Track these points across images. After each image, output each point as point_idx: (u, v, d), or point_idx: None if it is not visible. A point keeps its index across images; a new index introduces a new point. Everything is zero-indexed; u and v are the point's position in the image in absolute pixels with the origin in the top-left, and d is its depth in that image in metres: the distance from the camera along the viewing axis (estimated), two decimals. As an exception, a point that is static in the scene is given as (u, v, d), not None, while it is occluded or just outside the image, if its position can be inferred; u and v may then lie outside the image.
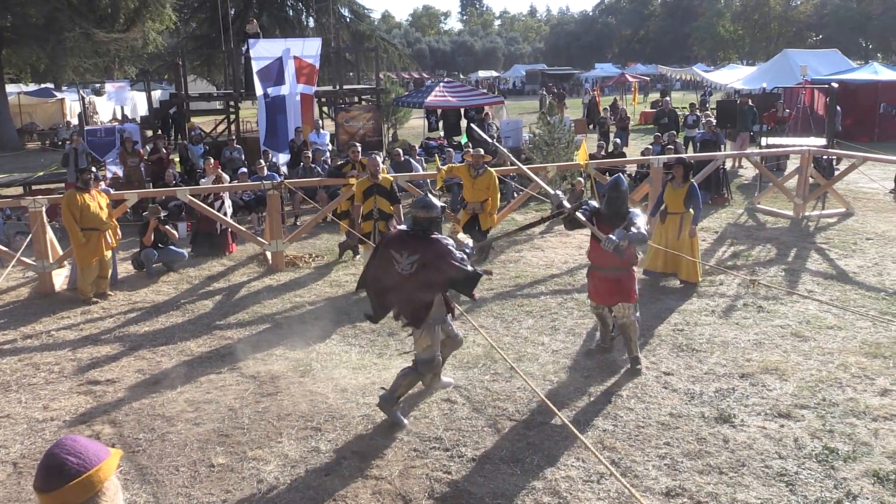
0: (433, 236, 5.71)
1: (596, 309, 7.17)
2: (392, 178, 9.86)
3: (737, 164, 18.51)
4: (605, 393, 6.38)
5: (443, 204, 5.76)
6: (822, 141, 14.60)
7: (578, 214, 6.67)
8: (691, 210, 9.09)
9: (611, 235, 6.30)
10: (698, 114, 20.33)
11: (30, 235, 9.77)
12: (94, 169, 10.16)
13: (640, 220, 6.57)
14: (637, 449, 5.45)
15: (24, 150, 29.18)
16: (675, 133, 16.91)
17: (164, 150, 15.61)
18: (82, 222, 9.13)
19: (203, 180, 13.04)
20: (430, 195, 6.03)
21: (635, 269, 6.95)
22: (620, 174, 7.05)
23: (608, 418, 5.93)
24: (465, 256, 5.71)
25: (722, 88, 29.28)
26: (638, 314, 6.85)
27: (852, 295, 8.81)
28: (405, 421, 5.90)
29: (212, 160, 13.58)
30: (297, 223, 13.25)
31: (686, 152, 17.25)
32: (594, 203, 7.02)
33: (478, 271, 5.73)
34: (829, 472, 5.08)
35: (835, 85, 17.00)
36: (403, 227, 5.97)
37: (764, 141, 15.19)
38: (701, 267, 9.34)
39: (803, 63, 22.36)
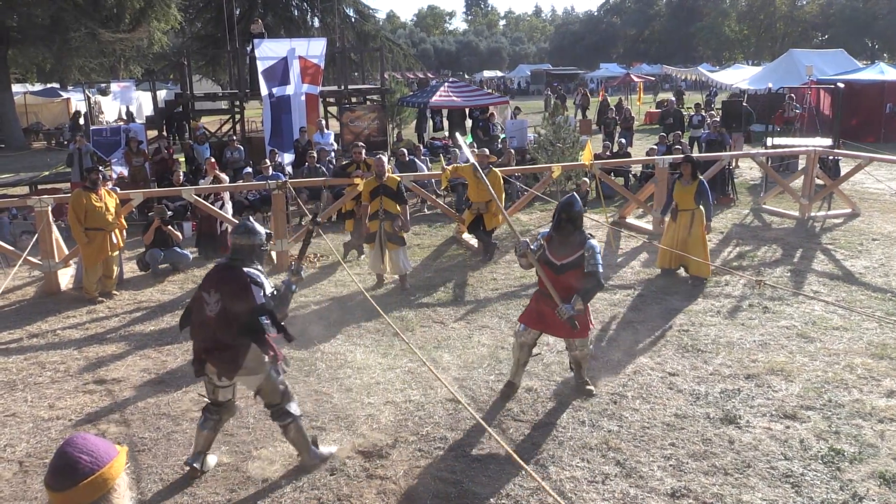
0: (242, 269, 5.00)
1: (522, 335, 6.25)
2: (398, 179, 9.86)
3: (734, 164, 18.42)
4: (611, 393, 6.37)
5: (268, 231, 5.32)
6: (828, 141, 14.56)
7: (535, 260, 6.04)
8: (702, 207, 9.15)
9: (564, 306, 5.81)
10: (703, 114, 20.27)
11: (36, 235, 9.78)
12: (101, 168, 10.18)
13: (596, 254, 5.96)
14: (642, 450, 5.44)
15: (29, 149, 29.25)
16: (680, 133, 16.86)
17: (167, 151, 15.63)
18: (88, 222, 9.15)
19: (202, 181, 13.06)
20: (251, 220, 5.33)
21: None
22: (575, 193, 6.24)
23: (613, 419, 5.92)
24: (274, 292, 5.08)
25: (727, 88, 29.23)
26: (591, 346, 6.41)
27: (858, 296, 8.78)
28: (330, 450, 5.43)
29: (212, 159, 13.60)
30: (302, 223, 13.25)
31: (691, 152, 17.23)
32: (545, 231, 6.28)
33: (275, 312, 4.98)
34: (835, 473, 5.07)
35: (840, 85, 16.96)
36: (225, 258, 5.25)
37: (770, 141, 15.15)
38: (699, 262, 9.37)
39: (809, 63, 22.32)
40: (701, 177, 9.36)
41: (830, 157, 13.95)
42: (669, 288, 9.23)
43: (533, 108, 31.58)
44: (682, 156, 10.48)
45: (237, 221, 11.27)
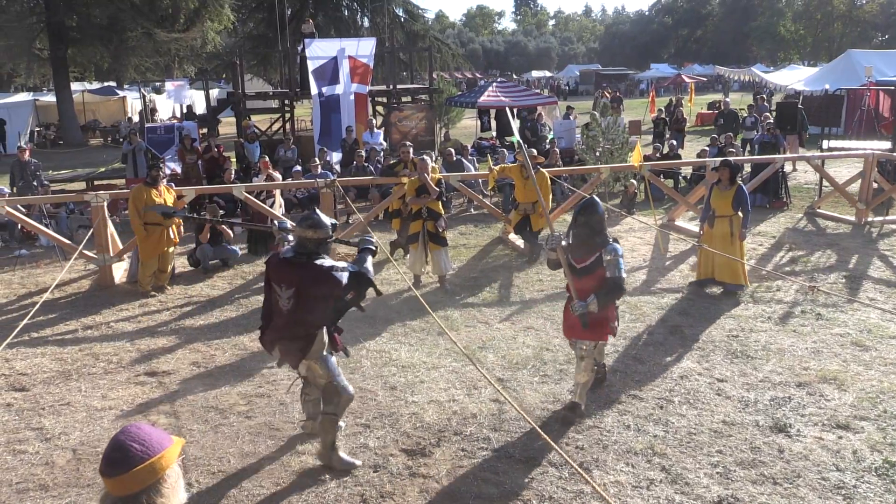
0: (315, 262, 4.98)
1: (574, 348, 6.13)
2: (439, 177, 9.87)
3: (793, 168, 18.01)
4: (657, 398, 6.28)
5: (333, 221, 5.23)
6: (887, 144, 14.14)
7: (565, 258, 5.87)
8: (740, 213, 8.88)
9: (578, 302, 5.72)
10: (756, 115, 19.85)
11: (91, 229, 10.05)
12: (161, 166, 10.43)
13: (619, 258, 5.71)
14: (689, 456, 5.36)
15: (87, 146, 30.06)
16: (731, 135, 16.54)
17: (218, 149, 15.91)
18: (146, 217, 9.39)
19: (255, 179, 13.27)
20: (318, 212, 5.23)
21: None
22: (595, 196, 6.01)
23: (659, 424, 5.84)
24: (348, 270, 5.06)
25: (782, 90, 28.61)
26: (602, 362, 6.09)
27: (917, 304, 8.52)
28: (356, 461, 5.35)
29: (266, 158, 13.81)
30: (350, 221, 13.36)
31: (744, 155, 16.91)
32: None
33: (365, 276, 5.13)
34: (890, 486, 4.92)
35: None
36: (287, 251, 5.20)
37: (826, 144, 14.78)
38: (747, 270, 9.11)
39: (868, 64, 21.72)
40: (740, 181, 9.02)
41: (889, 161, 13.55)
42: (720, 293, 9.06)
43: (581, 109, 31.32)
44: (720, 159, 10.18)
45: (285, 219, 11.45)
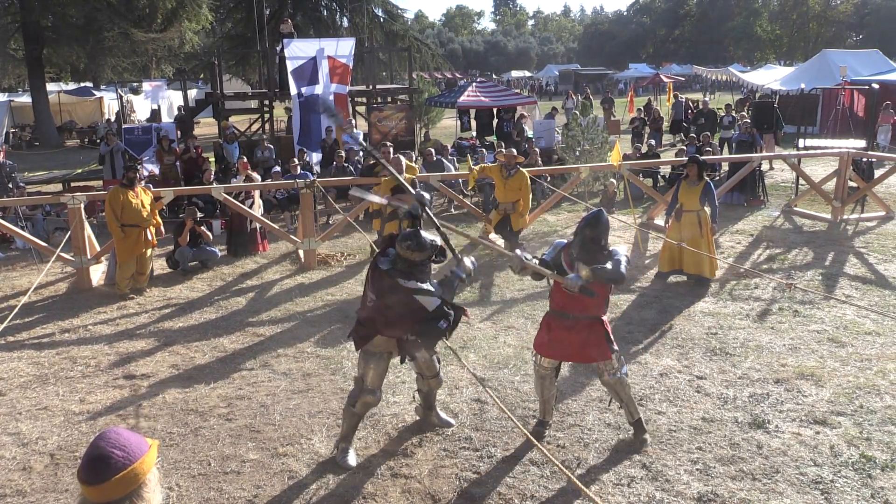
0: (400, 281, 4.90)
1: (540, 366, 5.63)
2: (414, 176, 9.85)
3: (769, 166, 18.18)
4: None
5: (434, 241, 4.98)
6: (862, 143, 14.31)
7: (533, 265, 5.41)
8: (707, 207, 9.11)
9: (572, 275, 5.27)
10: (734, 114, 20.03)
11: (68, 231, 9.94)
12: (138, 167, 10.35)
13: (622, 258, 5.37)
14: (669, 453, 5.40)
15: (63, 147, 29.71)
16: (709, 134, 16.68)
17: (196, 150, 15.79)
18: (124, 218, 9.33)
19: (234, 180, 13.19)
20: (422, 232, 4.99)
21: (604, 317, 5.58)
22: (602, 209, 5.66)
23: (639, 421, 5.87)
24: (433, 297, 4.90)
25: (759, 89, 28.87)
26: (625, 369, 5.57)
27: (892, 300, 8.63)
28: (349, 461, 5.35)
29: (244, 159, 13.73)
30: (330, 222, 13.32)
31: (721, 153, 17.05)
32: (562, 241, 5.75)
33: (446, 310, 4.91)
34: (866, 480, 4.98)
35: (875, 86, 16.67)
36: (385, 260, 5.08)
37: (802, 143, 14.93)
38: (717, 263, 9.38)
39: (843, 63, 21.92)
40: (706, 177, 9.29)
41: (864, 160, 13.72)
42: (697, 290, 9.13)
43: (560, 109, 31.47)
44: (689, 156, 10.40)
45: (266, 220, 11.40)
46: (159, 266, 10.73)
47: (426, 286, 4.96)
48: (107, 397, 6.61)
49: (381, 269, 5.02)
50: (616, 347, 5.52)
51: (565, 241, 5.70)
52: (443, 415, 5.92)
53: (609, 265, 5.22)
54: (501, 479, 5.13)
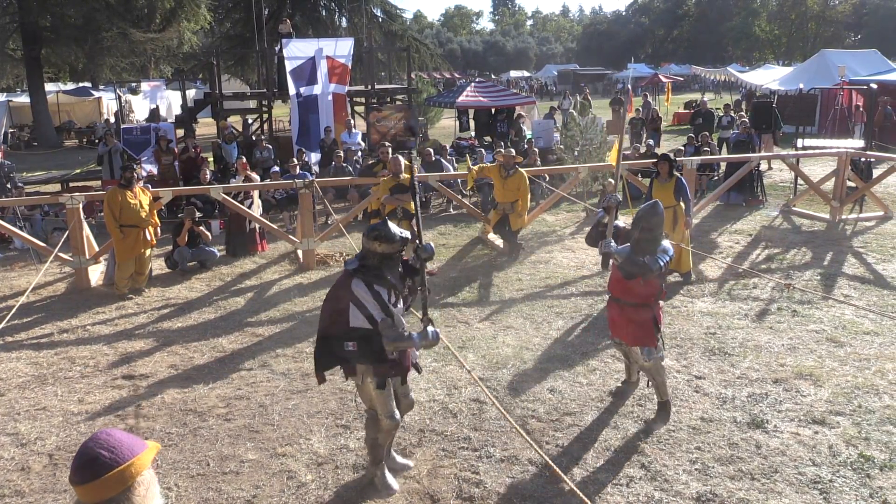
0: (352, 280, 4.63)
1: (618, 345, 6.22)
2: (409, 176, 9.85)
3: (768, 166, 18.19)
4: (637, 396, 6.32)
5: (404, 234, 4.72)
6: (860, 143, 14.32)
7: (611, 215, 5.96)
8: (682, 203, 9.21)
9: (605, 241, 5.84)
10: (732, 114, 20.03)
11: (67, 232, 9.93)
12: (135, 167, 10.34)
13: (664, 254, 5.64)
14: (667, 453, 5.40)
15: (62, 147, 29.69)
16: (707, 134, 16.68)
17: (195, 150, 15.78)
18: (122, 219, 9.33)
19: (233, 180, 13.19)
20: (389, 224, 4.78)
21: (661, 303, 5.97)
22: (658, 201, 5.89)
23: (639, 421, 5.88)
24: (384, 317, 4.59)
25: (757, 89, 28.88)
26: (661, 354, 5.83)
27: (890, 300, 8.63)
28: (408, 462, 5.33)
29: (243, 159, 13.72)
30: (329, 222, 13.32)
31: (720, 153, 17.05)
32: (620, 224, 6.09)
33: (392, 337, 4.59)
34: (865, 480, 4.99)
35: (874, 86, 16.67)
36: (353, 261, 4.79)
37: (800, 142, 14.94)
38: (691, 256, 9.48)
39: (841, 63, 21.96)
40: (678, 174, 9.42)
41: (863, 160, 13.73)
42: (696, 290, 9.14)
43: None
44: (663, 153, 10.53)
45: (264, 220, 11.39)
46: (158, 266, 10.72)
47: (372, 306, 4.58)
48: (105, 397, 6.61)
49: (347, 268, 4.75)
50: (661, 336, 5.82)
51: (622, 225, 6.11)
52: (399, 458, 5.34)
53: (646, 259, 5.56)
54: (500, 479, 5.13)
